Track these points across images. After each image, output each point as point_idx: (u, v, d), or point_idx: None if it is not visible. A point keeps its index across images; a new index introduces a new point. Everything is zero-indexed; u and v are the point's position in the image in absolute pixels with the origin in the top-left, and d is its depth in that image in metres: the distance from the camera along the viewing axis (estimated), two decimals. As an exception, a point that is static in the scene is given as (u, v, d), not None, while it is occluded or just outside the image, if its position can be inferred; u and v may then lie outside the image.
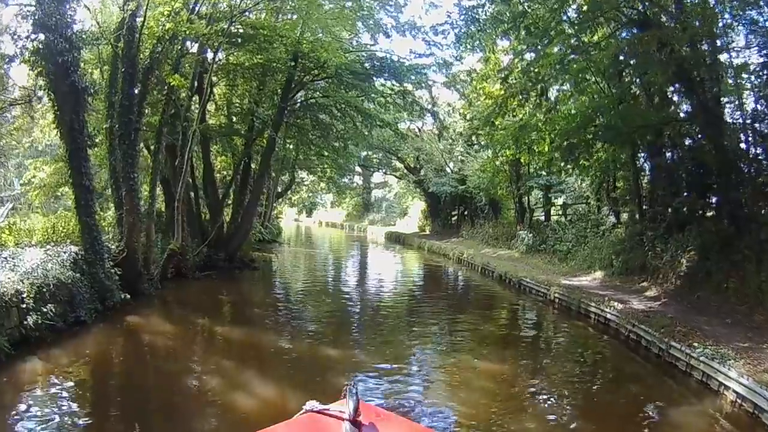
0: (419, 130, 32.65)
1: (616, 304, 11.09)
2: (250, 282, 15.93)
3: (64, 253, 10.44)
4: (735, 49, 12.90)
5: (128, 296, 10.41)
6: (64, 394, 6.33)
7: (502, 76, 9.69)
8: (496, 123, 13.98)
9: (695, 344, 8.21)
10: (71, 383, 6.75)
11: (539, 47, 9.69)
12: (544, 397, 6.96)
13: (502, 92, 11.51)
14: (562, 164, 12.98)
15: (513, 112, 12.16)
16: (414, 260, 25.72)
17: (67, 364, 7.55)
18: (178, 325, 9.80)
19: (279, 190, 33.17)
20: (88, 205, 10.37)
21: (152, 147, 16.07)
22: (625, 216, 17.36)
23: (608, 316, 10.94)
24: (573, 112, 12.06)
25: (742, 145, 12.84)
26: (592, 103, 13.60)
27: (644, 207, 15.93)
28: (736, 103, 13.19)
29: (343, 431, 2.19)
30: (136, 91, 11.86)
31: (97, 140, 13.02)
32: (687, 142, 14.61)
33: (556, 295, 12.94)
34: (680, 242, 13.60)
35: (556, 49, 11.27)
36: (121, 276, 10.93)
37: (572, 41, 9.83)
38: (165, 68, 12.66)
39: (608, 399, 7.18)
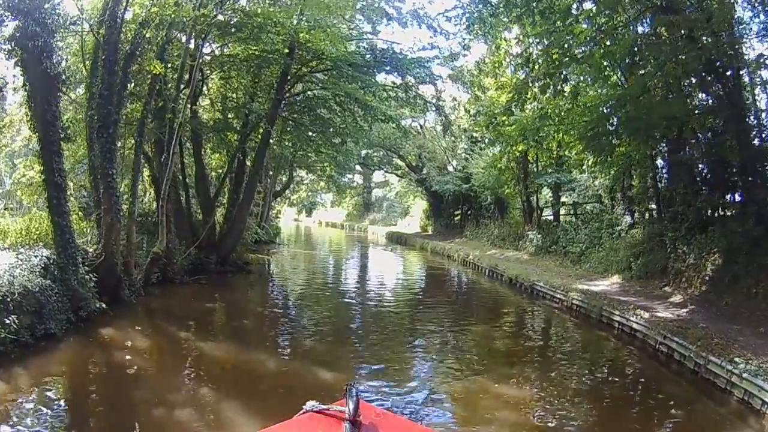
0: (421, 127, 31.68)
1: (642, 312, 10.13)
2: (243, 287, 14.77)
3: (35, 257, 9.50)
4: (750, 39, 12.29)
5: (104, 305, 9.41)
6: (20, 425, 5.37)
7: (522, 60, 8.63)
8: (506, 116, 12.97)
9: (736, 359, 7.37)
10: (29, 410, 5.80)
11: (559, 28, 8.64)
12: (576, 426, 5.99)
13: (521, 78, 10.49)
14: (589, 157, 11.95)
15: (533, 99, 11.12)
16: (417, 262, 24.67)
17: (27, 386, 6.60)
18: (157, 339, 8.76)
19: (277, 188, 32.25)
20: (60, 204, 9.39)
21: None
22: (641, 216, 16.40)
23: (634, 325, 9.98)
24: (594, 102, 11.04)
25: (756, 142, 12.20)
26: (612, 93, 12.70)
27: (662, 206, 15.03)
28: (750, 100, 12.55)
29: (343, 431, 2.19)
30: (117, 80, 10.91)
31: (75, 134, 12.16)
32: (708, 137, 13.83)
33: (575, 301, 11.94)
34: (703, 244, 12.78)
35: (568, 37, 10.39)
36: (98, 282, 9.96)
37: (600, 20, 8.82)
38: (149, 56, 11.66)
39: (648, 426, 6.24)
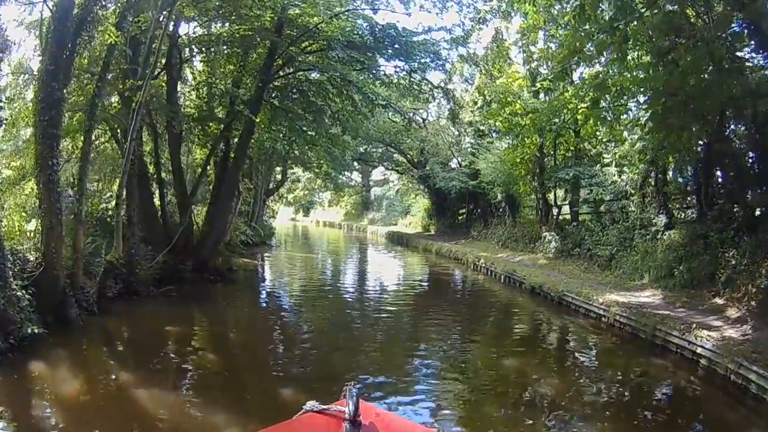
0: (423, 121, 29.71)
1: (708, 333, 8.25)
2: (220, 301, 12.49)
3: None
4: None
5: (37, 330, 7.48)
6: None
7: (575, 11, 6.70)
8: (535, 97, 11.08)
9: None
10: None
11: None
12: None
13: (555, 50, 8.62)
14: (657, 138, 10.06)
15: (588, 61, 9.12)
16: (423, 266, 22.46)
17: None
18: (93, 377, 6.70)
19: (271, 186, 30.32)
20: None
21: (118, 133, 13.37)
22: (680, 214, 14.51)
23: (699, 350, 8.07)
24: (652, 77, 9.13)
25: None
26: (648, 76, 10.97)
27: (703, 203, 13.21)
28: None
29: (343, 431, 2.20)
30: (66, 52, 8.99)
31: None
32: (755, 124, 12.10)
33: (618, 317, 9.98)
34: (755, 246, 11.03)
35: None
36: (37, 299, 8.06)
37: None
38: (106, 24, 9.73)
39: None
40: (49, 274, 8.28)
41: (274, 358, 8.27)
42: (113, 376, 6.78)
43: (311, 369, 7.53)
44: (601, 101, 9.62)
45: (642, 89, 11.37)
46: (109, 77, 12.73)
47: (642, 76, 11.34)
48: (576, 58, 7.16)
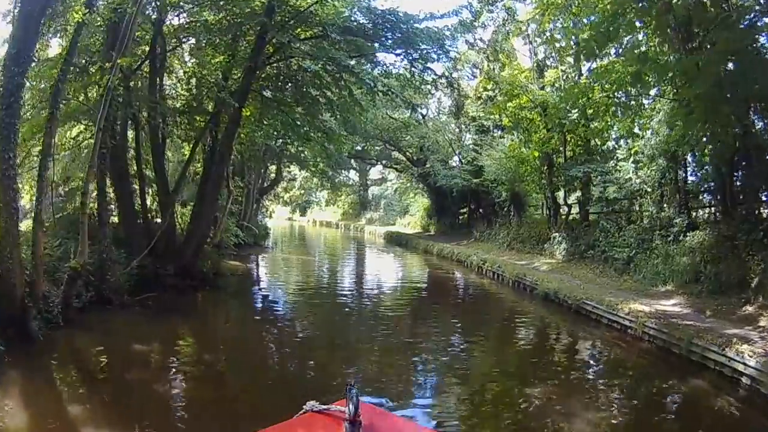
0: (423, 117, 28.72)
1: (749, 347, 7.30)
2: (204, 309, 11.36)
3: None
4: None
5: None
6: None
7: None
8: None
9: None
10: None
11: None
12: None
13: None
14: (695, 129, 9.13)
15: (629, 31, 8.08)
16: (424, 269, 21.30)
17: None
18: (48, 406, 5.58)
19: (265, 185, 29.27)
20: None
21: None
22: (702, 214, 13.56)
23: (740, 367, 7.11)
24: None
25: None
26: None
27: (728, 202, 12.28)
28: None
29: (343, 431, 2.18)
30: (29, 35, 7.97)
31: None
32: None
33: (648, 329, 8.95)
34: (783, 250, 10.13)
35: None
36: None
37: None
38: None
39: None
40: (6, 283, 7.26)
41: (263, 381, 7.16)
42: (70, 407, 5.74)
43: (304, 395, 6.48)
44: (642, 77, 8.59)
45: (664, 78, 10.50)
46: (92, 70, 11.82)
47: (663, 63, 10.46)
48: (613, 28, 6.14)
